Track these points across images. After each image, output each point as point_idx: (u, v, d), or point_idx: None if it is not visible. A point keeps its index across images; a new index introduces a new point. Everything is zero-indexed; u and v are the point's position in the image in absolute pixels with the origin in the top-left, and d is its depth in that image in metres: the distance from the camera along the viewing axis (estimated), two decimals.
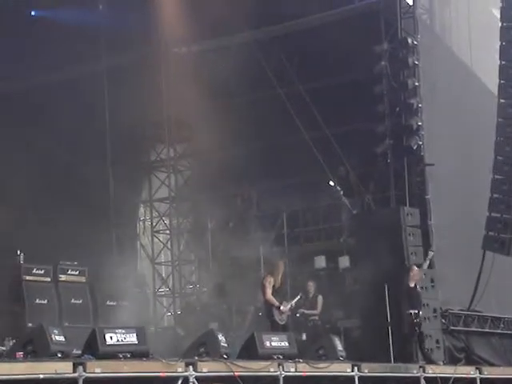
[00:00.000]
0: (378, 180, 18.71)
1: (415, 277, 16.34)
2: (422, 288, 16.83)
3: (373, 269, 16.51)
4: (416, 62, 18.05)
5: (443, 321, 17.47)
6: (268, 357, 12.95)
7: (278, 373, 12.66)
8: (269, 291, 15.60)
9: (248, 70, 18.83)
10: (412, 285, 16.25)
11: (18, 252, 16.22)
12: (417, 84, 18.01)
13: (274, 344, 13.24)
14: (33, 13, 20.83)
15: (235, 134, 18.96)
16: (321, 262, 19.31)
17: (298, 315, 17.21)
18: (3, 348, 12.90)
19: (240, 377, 11.96)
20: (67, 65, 19.69)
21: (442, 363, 16.36)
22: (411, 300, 16.13)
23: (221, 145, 19.02)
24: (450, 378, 15.14)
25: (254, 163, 19.87)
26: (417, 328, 16.04)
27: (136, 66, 20.09)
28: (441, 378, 14.96)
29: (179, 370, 11.49)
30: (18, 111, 19.05)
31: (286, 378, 12.68)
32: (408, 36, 18.11)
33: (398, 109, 18.12)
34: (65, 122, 19.33)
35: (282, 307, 15.57)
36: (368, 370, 13.88)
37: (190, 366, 11.57)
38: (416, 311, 16.04)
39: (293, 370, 12.86)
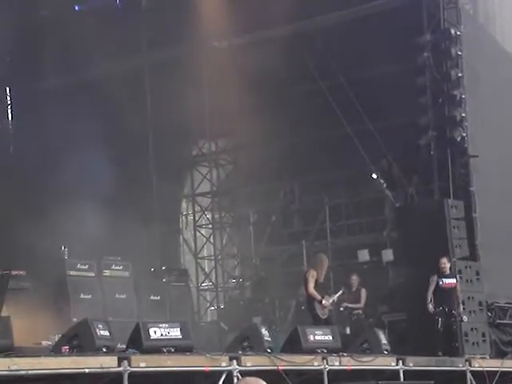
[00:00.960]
0: (421, 172, 18.52)
1: (443, 268, 15.97)
2: (467, 281, 16.63)
3: (417, 262, 16.34)
4: (459, 53, 17.84)
5: (489, 314, 17.25)
6: (312, 351, 12.89)
7: (322, 367, 12.59)
8: (311, 285, 15.53)
9: (289, 64, 18.75)
10: (434, 278, 15.76)
11: (63, 247, 16.32)
12: (460, 75, 17.80)
13: (317, 338, 13.17)
14: (76, 7, 20.92)
15: (277, 127, 18.88)
16: (364, 255, 19.18)
17: (341, 309, 17.12)
18: (49, 343, 12.99)
19: (284, 371, 11.91)
20: (109, 59, 19.77)
21: (488, 357, 16.16)
22: (436, 295, 15.79)
23: (262, 139, 18.97)
24: (497, 371, 14.95)
25: (296, 157, 19.80)
26: (439, 321, 15.64)
27: (177, 60, 20.11)
28: (487, 371, 14.79)
29: (223, 364, 11.48)
30: (61, 106, 19.16)
31: (330, 371, 12.60)
32: (451, 26, 17.90)
33: (441, 100, 17.92)
34: (107, 117, 19.42)
35: (323, 301, 15.48)
36: (413, 363, 13.75)
37: (234, 361, 11.55)
38: (438, 307, 15.61)
39: (337, 363, 12.77)
